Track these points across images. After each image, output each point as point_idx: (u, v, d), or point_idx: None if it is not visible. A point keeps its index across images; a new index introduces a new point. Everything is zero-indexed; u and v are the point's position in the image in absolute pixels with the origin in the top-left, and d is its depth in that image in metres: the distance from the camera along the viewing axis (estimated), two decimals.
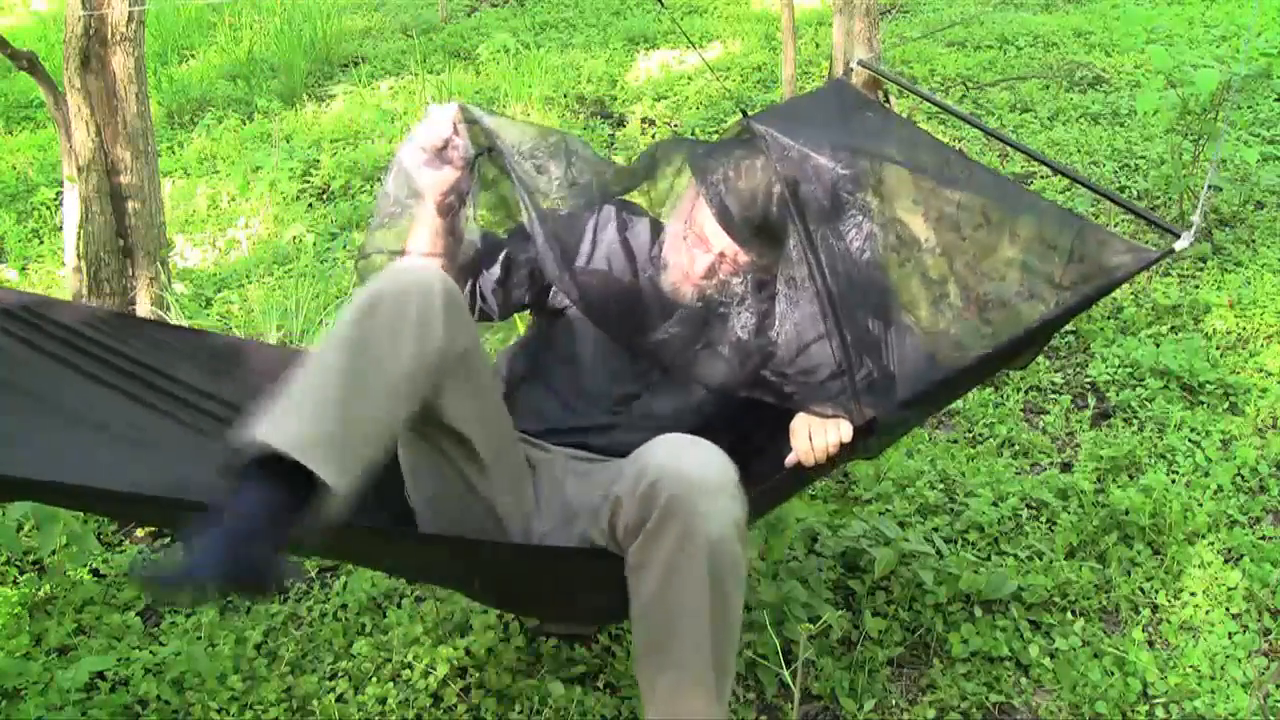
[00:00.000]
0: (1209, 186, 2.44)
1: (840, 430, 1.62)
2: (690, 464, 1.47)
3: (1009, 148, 4.15)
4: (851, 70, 2.20)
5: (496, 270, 1.82)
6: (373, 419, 1.44)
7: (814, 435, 1.63)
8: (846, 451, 1.65)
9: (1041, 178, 4.04)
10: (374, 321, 1.47)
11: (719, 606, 1.50)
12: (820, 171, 1.75)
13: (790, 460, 1.65)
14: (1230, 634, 2.04)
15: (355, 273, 1.84)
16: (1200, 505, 2.36)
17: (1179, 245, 1.74)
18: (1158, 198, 3.80)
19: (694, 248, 1.75)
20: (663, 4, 2.53)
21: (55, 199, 4.24)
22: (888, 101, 4.79)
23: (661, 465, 1.47)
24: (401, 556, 1.75)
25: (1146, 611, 2.12)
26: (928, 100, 2.81)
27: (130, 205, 2.79)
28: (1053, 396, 2.84)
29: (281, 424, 1.37)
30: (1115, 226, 3.57)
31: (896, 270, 1.85)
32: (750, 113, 1.74)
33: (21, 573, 2.27)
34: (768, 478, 1.68)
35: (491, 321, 1.89)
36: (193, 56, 6.40)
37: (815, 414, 1.65)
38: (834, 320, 1.64)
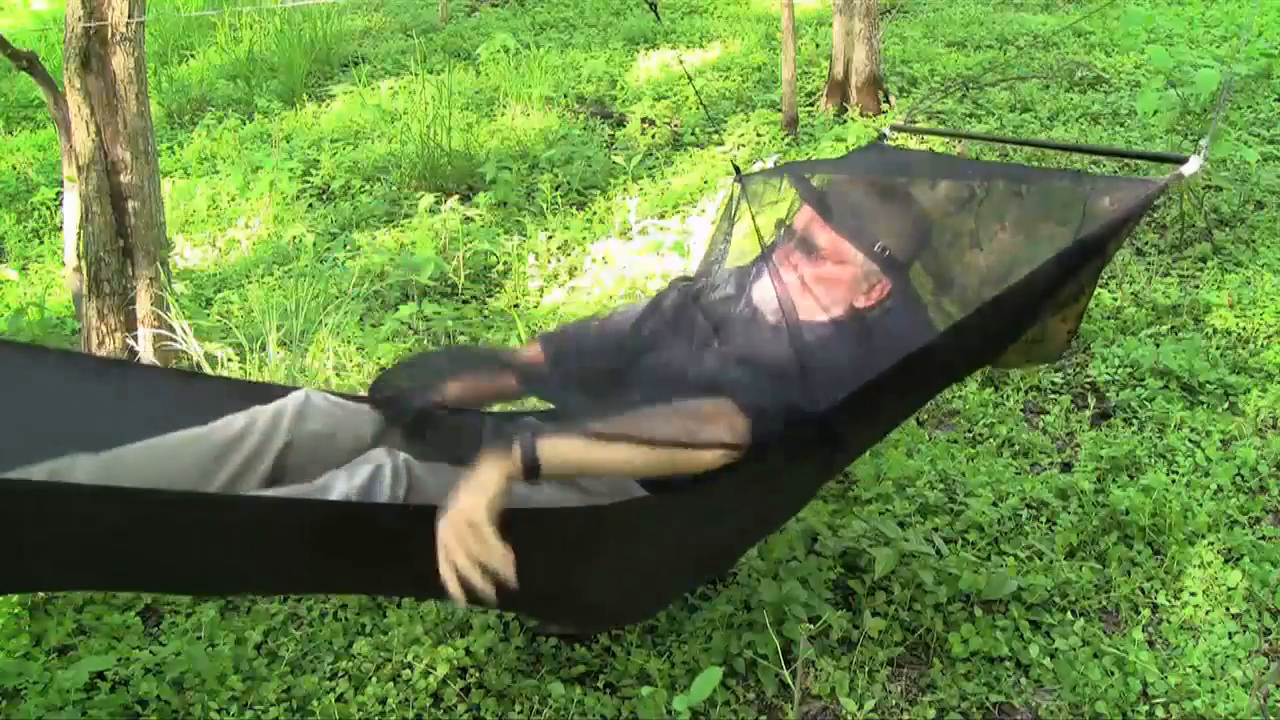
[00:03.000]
0: (1218, 112, 2.45)
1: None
2: None
3: (1010, 143, 4.16)
4: (885, 136, 2.24)
5: None
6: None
7: None
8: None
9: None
10: None
11: None
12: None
13: None
14: (1230, 634, 2.04)
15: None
16: (1200, 505, 2.36)
17: (1187, 170, 1.72)
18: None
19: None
20: (657, 16, 2.53)
21: (55, 199, 4.24)
22: (887, 100, 4.81)
23: None
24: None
25: (1146, 611, 2.12)
26: (958, 136, 2.82)
27: (130, 205, 2.78)
28: (1053, 396, 2.84)
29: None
30: None
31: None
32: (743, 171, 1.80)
33: None
34: None
35: None
36: (193, 56, 6.41)
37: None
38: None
